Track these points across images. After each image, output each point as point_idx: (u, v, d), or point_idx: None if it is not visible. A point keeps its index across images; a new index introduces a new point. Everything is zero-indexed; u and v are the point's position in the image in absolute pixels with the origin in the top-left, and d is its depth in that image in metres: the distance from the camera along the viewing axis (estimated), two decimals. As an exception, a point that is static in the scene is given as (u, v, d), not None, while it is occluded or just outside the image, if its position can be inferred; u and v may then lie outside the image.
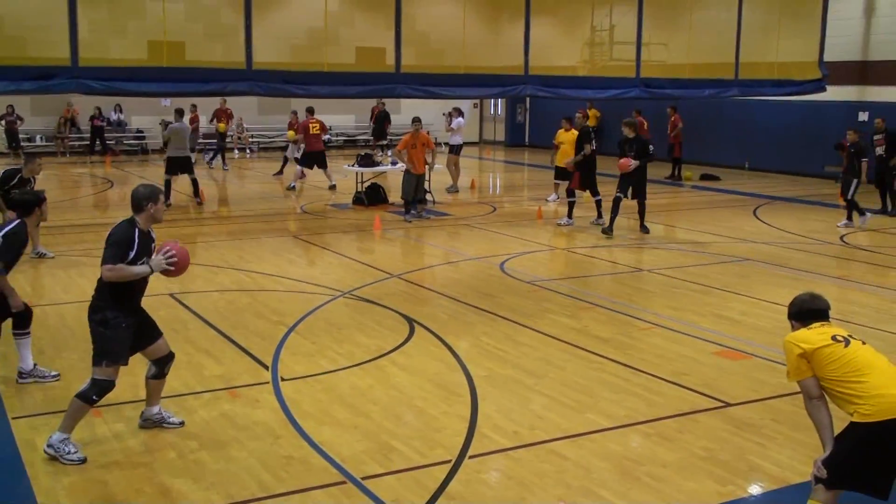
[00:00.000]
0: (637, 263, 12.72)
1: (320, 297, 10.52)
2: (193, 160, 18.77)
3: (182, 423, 6.57)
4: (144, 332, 6.28)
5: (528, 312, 9.89)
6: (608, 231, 14.84)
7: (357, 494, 5.53)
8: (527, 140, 35.50)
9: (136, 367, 7.62)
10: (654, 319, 9.67)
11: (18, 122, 27.73)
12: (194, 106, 25.10)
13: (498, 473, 5.92)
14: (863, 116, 23.43)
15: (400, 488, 5.61)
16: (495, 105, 37.06)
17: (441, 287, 11.18)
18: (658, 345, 8.76)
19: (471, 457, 6.09)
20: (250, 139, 31.08)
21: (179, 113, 19.17)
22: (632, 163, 14.66)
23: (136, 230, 6.05)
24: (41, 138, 29.43)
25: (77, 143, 29.66)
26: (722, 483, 5.74)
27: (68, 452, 5.87)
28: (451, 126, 21.20)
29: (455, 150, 21.21)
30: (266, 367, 7.91)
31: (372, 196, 18.25)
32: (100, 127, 28.93)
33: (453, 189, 20.66)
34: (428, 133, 18.55)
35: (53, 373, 7.59)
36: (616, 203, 14.90)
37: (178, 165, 18.17)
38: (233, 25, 15.84)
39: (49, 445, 5.90)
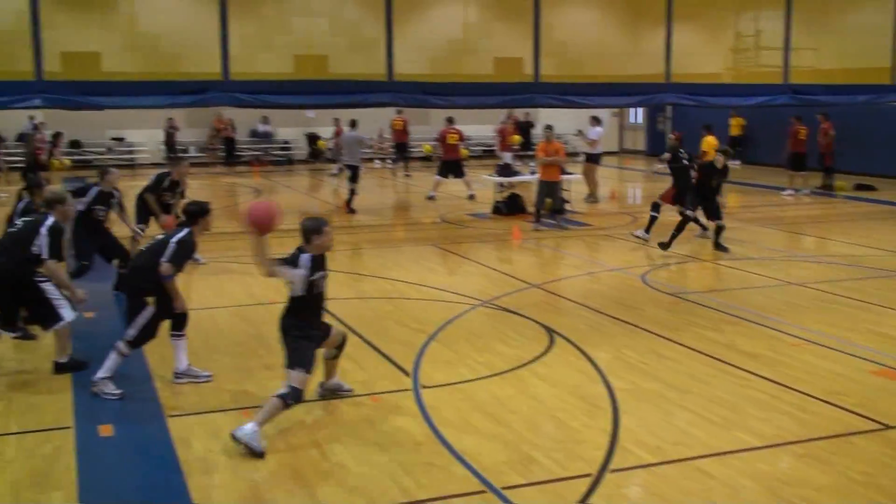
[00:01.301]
0: (786, 277, 12.24)
1: (460, 305, 10.58)
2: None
3: (351, 390, 7.40)
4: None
5: (671, 325, 9.66)
6: (665, 246, 13.82)
7: (497, 504, 5.52)
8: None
9: (283, 371, 7.86)
10: (804, 335, 9.27)
11: (175, 131, 29.28)
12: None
13: (640, 489, 5.79)
14: None
15: (540, 500, 5.57)
16: (635, 114, 36.50)
17: (581, 298, 11.06)
18: (809, 361, 8.39)
19: (612, 471, 5.98)
20: (391, 149, 31.61)
21: (352, 124, 19.78)
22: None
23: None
24: (194, 149, 30.81)
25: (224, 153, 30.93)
26: (882, 509, 5.44)
27: (257, 443, 6.20)
28: (589, 136, 20.92)
29: (593, 159, 20.93)
30: (407, 374, 8.00)
31: (511, 205, 18.25)
32: (230, 138, 30.01)
33: (591, 199, 20.43)
34: (565, 143, 18.46)
35: (206, 373, 7.91)
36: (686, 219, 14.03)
37: (356, 173, 18.74)
38: (374, 38, 16.22)
39: (243, 432, 6.20)
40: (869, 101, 19.71)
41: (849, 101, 19.85)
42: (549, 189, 16.31)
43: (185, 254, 7.50)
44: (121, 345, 7.42)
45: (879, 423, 6.82)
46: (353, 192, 18.71)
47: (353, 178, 18.69)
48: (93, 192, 10.89)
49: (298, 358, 6.53)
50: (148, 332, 7.47)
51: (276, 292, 11.20)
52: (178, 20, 15.65)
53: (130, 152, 30.40)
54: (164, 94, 15.20)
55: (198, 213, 7.67)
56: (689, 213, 13.98)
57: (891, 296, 11.01)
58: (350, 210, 18.65)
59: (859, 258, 13.58)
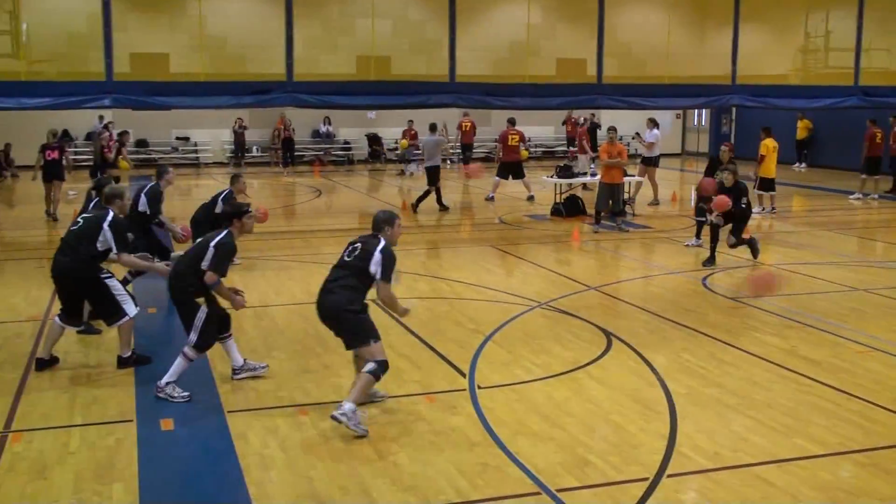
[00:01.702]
0: (852, 282, 11.97)
1: (517, 307, 10.56)
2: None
3: (384, 398, 7.35)
4: None
5: (731, 330, 9.52)
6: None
7: (552, 506, 5.50)
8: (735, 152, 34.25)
9: (342, 370, 7.95)
10: (870, 343, 9.05)
11: (244, 131, 29.80)
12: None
13: (697, 495, 5.72)
14: None
15: (595, 503, 5.52)
16: (699, 115, 36.00)
17: (639, 301, 10.95)
18: (876, 370, 8.20)
19: (669, 476, 5.92)
20: (451, 150, 31.68)
21: (432, 128, 20.16)
22: (728, 202, 12.54)
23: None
24: (257, 149, 31.23)
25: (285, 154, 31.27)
26: (948, 522, 5.29)
27: (357, 423, 6.47)
28: (646, 139, 20.61)
29: (650, 162, 20.58)
30: (463, 375, 8.01)
31: (570, 207, 18.14)
32: (289, 139, 30.31)
33: (654, 202, 20.21)
34: (627, 144, 18.31)
35: (263, 364, 8.00)
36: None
37: (433, 175, 19.08)
38: (437, 40, 16.28)
39: (343, 413, 6.44)
40: (944, 102, 19.17)
41: (922, 103, 19.34)
42: (611, 191, 16.19)
43: (225, 257, 7.50)
44: (188, 350, 7.45)
45: (947, 433, 6.64)
46: (428, 193, 19.09)
47: (433, 180, 19.02)
48: (156, 189, 11.09)
49: (370, 331, 6.81)
50: (210, 333, 7.51)
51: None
52: (245, 22, 15.90)
53: (195, 152, 30.92)
54: (229, 94, 15.45)
55: (234, 215, 7.67)
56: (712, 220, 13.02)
57: (962, 303, 10.71)
58: (445, 208, 19.11)
59: (929, 264, 13.22)
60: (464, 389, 7.63)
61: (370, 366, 6.71)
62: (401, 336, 9.29)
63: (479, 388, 7.66)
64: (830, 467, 6.07)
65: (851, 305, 10.78)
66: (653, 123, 20.66)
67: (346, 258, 6.95)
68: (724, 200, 12.56)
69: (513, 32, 17.13)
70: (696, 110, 34.82)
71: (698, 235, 14.62)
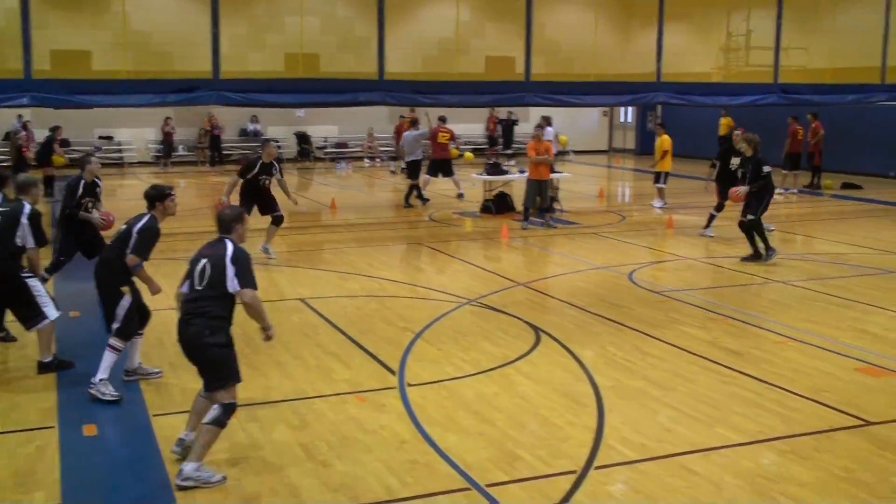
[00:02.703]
0: (772, 275, 12.28)
1: (447, 304, 10.59)
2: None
3: (159, 373, 7.51)
4: None
5: (656, 323, 9.70)
6: (766, 256, 12.98)
7: (481, 501, 5.53)
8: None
9: (270, 371, 7.89)
10: (789, 333, 9.31)
11: (173, 131, 29.31)
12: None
13: (624, 486, 5.81)
14: None
15: (524, 497, 5.58)
16: (625, 113, 36.55)
17: (567, 296, 11.08)
18: (794, 359, 8.43)
19: (596, 468, 6.00)
20: (380, 149, 31.65)
21: (413, 123, 20.61)
22: (741, 190, 12.86)
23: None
24: (183, 148, 30.74)
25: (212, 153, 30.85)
26: (862, 505, 5.47)
27: (210, 476, 5.74)
28: (545, 138, 20.38)
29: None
30: (393, 373, 8.01)
31: (499, 204, 18.26)
32: (217, 137, 29.95)
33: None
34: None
35: (157, 370, 7.86)
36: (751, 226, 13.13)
37: (416, 169, 19.62)
38: (366, 37, 16.22)
39: (185, 478, 5.68)
40: (857, 100, 19.79)
41: (838, 101, 19.92)
42: (538, 188, 16.33)
43: (148, 241, 7.30)
44: (113, 341, 7.34)
45: (861, 419, 6.86)
46: (412, 188, 19.54)
47: (414, 175, 19.50)
48: (82, 185, 10.83)
49: (235, 371, 6.00)
50: (133, 321, 7.40)
51: (263, 291, 11.23)
52: (169, 19, 15.62)
53: (119, 151, 30.31)
54: (154, 92, 15.17)
55: (156, 198, 7.41)
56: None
57: (875, 294, 11.07)
58: (407, 204, 19.39)
59: (844, 256, 13.64)
60: (394, 387, 7.63)
61: (215, 413, 5.77)
62: (330, 335, 9.25)
63: (410, 385, 7.67)
64: (751, 455, 6.23)
65: (772, 297, 11.07)
66: (546, 121, 20.65)
67: (197, 286, 5.92)
68: (736, 193, 12.94)
69: (442, 30, 17.16)
70: (622, 108, 35.34)
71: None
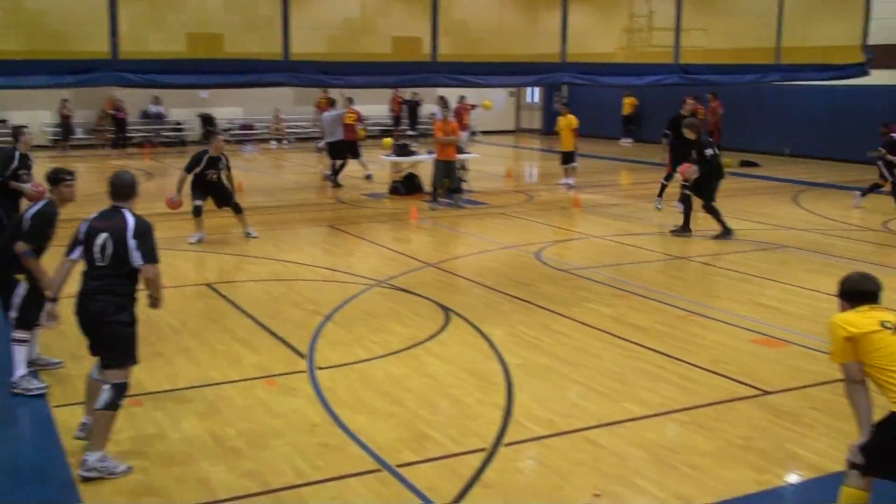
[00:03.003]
0: (674, 251, 12.62)
1: (356, 286, 10.57)
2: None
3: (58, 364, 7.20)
4: None
5: (563, 301, 9.86)
6: (682, 232, 13.77)
7: (392, 482, 5.56)
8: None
9: (176, 358, 7.77)
10: (690, 307, 9.59)
11: (70, 113, 28.36)
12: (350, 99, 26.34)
13: (533, 462, 5.91)
14: (906, 100, 23.02)
15: (435, 476, 5.63)
16: (532, 93, 36.89)
17: (476, 276, 11.17)
18: (695, 333, 8.69)
19: (506, 445, 6.09)
20: (287, 130, 31.28)
21: (331, 102, 20.67)
22: (691, 169, 13.37)
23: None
24: (82, 131, 29.81)
25: (116, 135, 30.01)
26: (760, 472, 5.69)
27: (115, 467, 5.62)
28: (438, 117, 19.94)
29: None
30: (302, 357, 7.97)
31: (408, 185, 18.27)
32: (122, 120, 29.19)
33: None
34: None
35: (57, 360, 7.64)
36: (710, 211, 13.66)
37: (339, 148, 19.72)
38: (270, 17, 15.90)
39: (89, 469, 5.54)
40: (754, 80, 20.31)
41: (736, 81, 20.42)
42: (447, 168, 16.38)
43: (41, 227, 6.87)
44: (16, 333, 7.02)
45: (759, 388, 7.13)
46: (336, 168, 19.59)
47: (336, 155, 19.58)
48: (17, 155, 10.45)
49: (134, 352, 5.87)
50: (31, 309, 6.98)
51: (168, 277, 11.01)
52: (64, -5, 15.08)
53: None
54: (48, 73, 14.57)
55: (51, 181, 7.06)
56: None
57: (770, 268, 11.48)
58: (336, 185, 19.40)
59: (742, 232, 14.07)
60: (303, 371, 7.59)
61: (106, 396, 5.59)
62: (238, 320, 9.14)
63: (319, 368, 7.64)
64: (655, 427, 6.41)
65: (674, 273, 11.37)
66: (443, 102, 20.58)
67: (99, 263, 5.70)
68: (687, 169, 13.41)
69: (347, 9, 16.96)
70: (528, 88, 35.64)
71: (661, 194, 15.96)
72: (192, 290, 10.40)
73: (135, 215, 5.85)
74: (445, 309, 9.48)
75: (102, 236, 5.71)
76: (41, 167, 12.36)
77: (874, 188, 16.60)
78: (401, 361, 7.87)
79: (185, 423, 6.47)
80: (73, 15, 14.81)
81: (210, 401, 6.91)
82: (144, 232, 5.75)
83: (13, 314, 7.07)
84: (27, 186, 10.48)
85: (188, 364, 7.79)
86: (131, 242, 5.68)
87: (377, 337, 8.53)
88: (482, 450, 6.00)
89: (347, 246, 13.47)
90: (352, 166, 20.83)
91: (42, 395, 6.95)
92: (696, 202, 13.71)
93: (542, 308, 9.56)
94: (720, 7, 19.53)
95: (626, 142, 30.79)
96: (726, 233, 13.50)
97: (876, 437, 4.54)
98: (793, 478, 5.70)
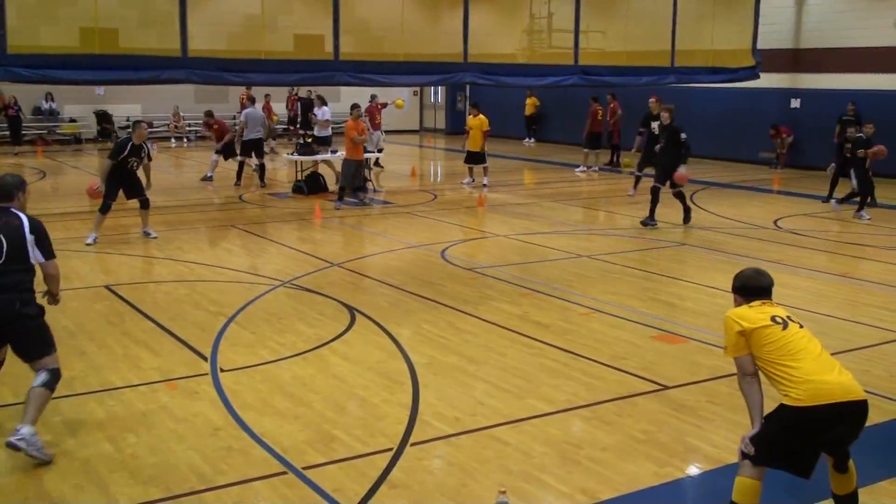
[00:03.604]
0: (577, 250, 12.84)
1: (260, 286, 10.43)
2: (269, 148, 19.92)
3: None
4: None
5: (469, 299, 9.93)
6: (648, 223, 14.57)
7: (298, 484, 5.51)
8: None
9: (72, 362, 7.53)
10: (593, 305, 9.77)
11: None
12: (268, 95, 26.66)
13: (440, 460, 5.93)
14: (795, 103, 23.93)
15: (342, 477, 5.60)
16: (435, 93, 37.02)
17: (382, 275, 11.16)
18: (597, 330, 8.86)
19: (413, 444, 6.10)
20: (187, 128, 30.65)
21: (252, 100, 20.19)
22: (685, 173, 14.52)
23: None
24: (-30, 128, 28.58)
25: (3, 132, 28.83)
26: (660, 465, 5.83)
27: (40, 448, 5.69)
28: (318, 116, 19.88)
29: (324, 142, 19.69)
30: (205, 359, 7.82)
31: (312, 185, 18.13)
32: (16, 117, 28.09)
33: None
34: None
35: None
36: (654, 193, 14.62)
37: (252, 147, 19.33)
38: (167, 12, 15.53)
39: (21, 438, 5.59)
40: (651, 82, 20.84)
41: (633, 83, 20.93)
42: (357, 168, 16.33)
43: None
44: None
45: (659, 384, 7.31)
46: (261, 167, 19.32)
47: (259, 153, 19.25)
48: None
49: (51, 338, 6.02)
50: None
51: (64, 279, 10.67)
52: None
53: None
54: (-70, 67, 13.99)
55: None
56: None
57: (670, 265, 11.79)
58: (263, 184, 19.12)
59: (642, 231, 14.41)
60: (206, 374, 7.45)
61: (44, 377, 5.79)
62: (138, 322, 8.91)
63: (223, 371, 7.51)
64: (559, 423, 6.51)
65: (577, 271, 11.56)
66: (321, 101, 20.47)
67: None
68: (681, 176, 14.45)
69: (247, 6, 16.68)
70: (432, 87, 35.74)
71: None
72: (89, 292, 10.09)
73: (26, 214, 5.89)
74: (351, 309, 9.44)
75: None
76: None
77: (851, 196, 16.96)
78: (306, 362, 7.80)
79: (83, 430, 6.27)
80: (-42, 7, 14.22)
81: (109, 406, 6.72)
82: (40, 229, 5.90)
83: None
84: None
85: (86, 368, 7.56)
86: (29, 239, 5.79)
87: (282, 338, 8.44)
88: (389, 450, 6.00)
89: (251, 246, 13.27)
90: (225, 165, 20.40)
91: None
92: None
93: (448, 307, 9.61)
94: (617, 10, 19.95)
95: (529, 142, 31.19)
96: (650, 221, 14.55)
97: (767, 428, 4.71)
98: (692, 470, 5.87)
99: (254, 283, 10.61)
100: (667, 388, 7.23)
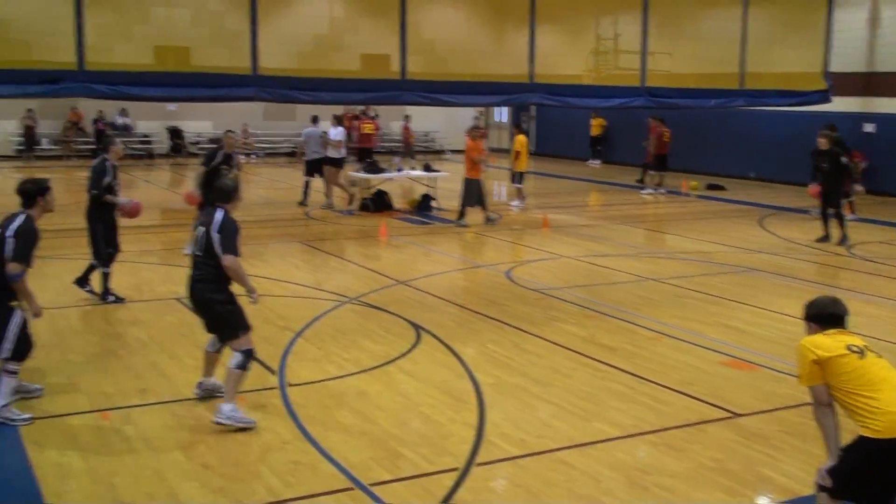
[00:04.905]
0: (643, 273, 12.71)
1: (326, 302, 10.52)
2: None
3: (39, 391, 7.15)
4: None
5: (534, 320, 9.88)
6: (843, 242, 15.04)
7: (366, 501, 5.52)
8: (533, 148, 35.55)
9: (145, 372, 7.68)
10: (660, 328, 9.65)
11: (35, 123, 28.04)
12: (407, 116, 27.70)
13: (505, 481, 5.90)
14: (868, 128, 23.43)
15: (408, 495, 5.60)
16: (500, 113, 37.07)
17: (447, 294, 11.17)
18: (664, 354, 8.75)
19: (478, 464, 6.08)
20: (255, 145, 31.16)
21: (314, 120, 20.07)
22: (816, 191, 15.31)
23: None
24: (48, 141, 29.48)
25: (83, 146, 29.68)
26: (731, 494, 5.72)
27: (244, 417, 6.56)
28: (331, 136, 19.40)
29: (336, 163, 19.22)
30: (273, 373, 7.91)
31: (378, 202, 18.27)
32: (103, 131, 28.94)
33: (328, 206, 19.02)
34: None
35: (38, 387, 7.23)
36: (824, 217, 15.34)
37: (314, 167, 19.24)
38: (238, 31, 15.87)
39: (223, 416, 6.49)
40: (720, 104, 20.61)
41: (702, 105, 20.70)
42: (479, 186, 16.54)
43: (29, 244, 6.59)
44: (7, 365, 6.61)
45: (729, 411, 7.18)
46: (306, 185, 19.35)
47: (310, 172, 19.22)
48: (108, 167, 10.19)
49: (241, 320, 6.76)
50: (26, 338, 6.69)
51: (136, 290, 10.88)
52: (29, 5, 14.91)
53: (-24, 144, 28.86)
54: (14, 83, 14.44)
55: (36, 192, 6.83)
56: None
57: (738, 290, 11.59)
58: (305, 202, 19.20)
59: (710, 254, 14.22)
60: (274, 388, 7.54)
61: (237, 359, 6.63)
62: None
63: (290, 385, 7.59)
64: (626, 448, 6.43)
65: (643, 294, 11.44)
66: (338, 121, 20.33)
67: (197, 252, 6.77)
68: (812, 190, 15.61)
69: (316, 26, 16.97)
70: (497, 107, 35.82)
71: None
72: (161, 304, 10.28)
73: (225, 213, 6.74)
74: (417, 327, 9.47)
75: (200, 229, 6.68)
76: (8, 178, 12.22)
77: None
78: (372, 379, 7.84)
79: (155, 439, 6.38)
80: (39, 24, 14.71)
81: (178, 415, 6.83)
82: (227, 226, 6.69)
83: (8, 346, 6.58)
84: (123, 200, 10.44)
85: (157, 378, 7.71)
86: (215, 236, 6.61)
87: (348, 354, 8.50)
88: (455, 469, 5.98)
89: (317, 262, 13.41)
90: (318, 183, 20.67)
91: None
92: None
93: (514, 327, 9.58)
94: (685, 32, 19.78)
95: (594, 163, 31.03)
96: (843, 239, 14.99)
97: (845, 460, 4.59)
98: (764, 500, 5.74)
99: (320, 299, 10.71)
100: (737, 415, 7.10)
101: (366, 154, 21.00)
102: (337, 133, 19.27)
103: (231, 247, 6.66)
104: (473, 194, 16.65)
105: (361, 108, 23.54)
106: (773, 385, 7.84)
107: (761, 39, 20.12)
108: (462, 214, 16.75)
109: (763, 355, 8.70)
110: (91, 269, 10.38)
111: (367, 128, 21.03)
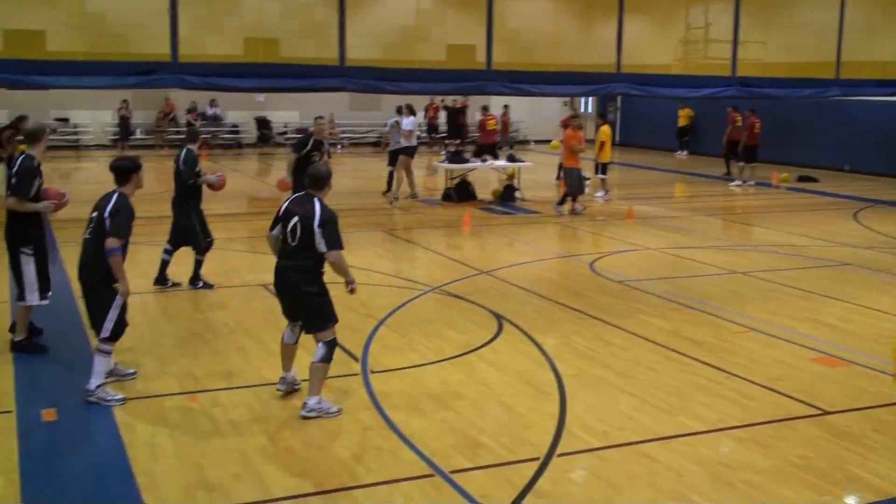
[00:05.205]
0: (730, 266, 12.45)
1: (409, 291, 10.59)
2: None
3: (132, 374, 7.37)
4: None
5: (618, 312, 9.78)
6: None
7: (445, 488, 5.55)
8: (618, 138, 35.10)
9: (231, 356, 7.85)
10: (747, 323, 9.44)
11: (129, 114, 28.91)
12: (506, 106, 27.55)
13: (586, 473, 5.86)
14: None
15: (488, 483, 5.61)
16: (585, 103, 36.71)
17: (530, 284, 11.13)
18: (752, 349, 8.56)
19: (559, 455, 6.05)
20: (341, 134, 31.52)
21: (399, 110, 19.74)
22: None
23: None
24: (141, 131, 30.34)
25: (175, 136, 30.45)
26: (819, 492, 5.58)
27: (330, 408, 6.65)
28: (404, 126, 18.96)
29: (408, 151, 18.87)
30: (356, 360, 8.00)
31: (461, 192, 18.30)
32: (191, 122, 29.64)
33: (412, 196, 18.83)
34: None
35: (131, 370, 7.47)
36: None
37: (395, 158, 18.96)
38: (326, 23, 16.11)
39: (310, 410, 6.57)
40: (813, 94, 20.08)
41: (794, 95, 20.19)
42: (577, 174, 16.50)
43: (126, 220, 6.76)
44: (103, 345, 6.85)
45: (818, 408, 6.98)
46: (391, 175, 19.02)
47: (391, 162, 18.92)
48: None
49: (332, 313, 6.83)
50: (123, 320, 6.89)
51: (224, 276, 11.12)
52: (125, 0, 15.42)
53: (75, 133, 29.84)
54: (111, 74, 14.93)
55: (131, 169, 6.94)
56: None
57: (830, 285, 11.27)
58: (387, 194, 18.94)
59: (801, 248, 13.86)
60: (357, 374, 7.63)
61: (321, 352, 6.67)
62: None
63: (373, 372, 7.67)
64: (711, 443, 6.32)
65: (730, 287, 11.21)
66: (409, 110, 20.07)
67: (291, 242, 6.70)
68: None
69: (402, 17, 17.11)
70: (582, 97, 35.48)
71: None
72: (247, 291, 10.50)
73: (323, 205, 6.75)
74: (499, 317, 9.46)
75: (294, 220, 6.65)
76: (103, 166, 12.61)
77: None
78: (454, 367, 7.87)
79: (241, 422, 6.52)
80: (135, 17, 15.19)
81: (264, 400, 6.97)
82: (329, 221, 6.72)
83: (108, 325, 6.79)
84: (212, 178, 10.71)
85: (243, 362, 7.87)
86: (317, 232, 6.63)
87: (430, 342, 8.54)
88: (535, 459, 5.97)
89: (400, 251, 13.51)
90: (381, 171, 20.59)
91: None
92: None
93: (596, 319, 9.49)
94: (779, 20, 19.31)
95: (681, 154, 30.51)
96: None
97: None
98: (853, 500, 5.58)
99: (403, 288, 10.78)
100: (826, 413, 6.90)
101: (486, 150, 20.70)
102: (409, 123, 19.12)
103: (335, 241, 6.67)
104: (575, 182, 16.59)
105: (484, 104, 23.18)
106: (865, 382, 7.59)
107: (860, 28, 19.54)
108: (563, 201, 16.71)
109: (855, 352, 8.43)
110: (199, 264, 10.60)
111: (491, 123, 21.00)
